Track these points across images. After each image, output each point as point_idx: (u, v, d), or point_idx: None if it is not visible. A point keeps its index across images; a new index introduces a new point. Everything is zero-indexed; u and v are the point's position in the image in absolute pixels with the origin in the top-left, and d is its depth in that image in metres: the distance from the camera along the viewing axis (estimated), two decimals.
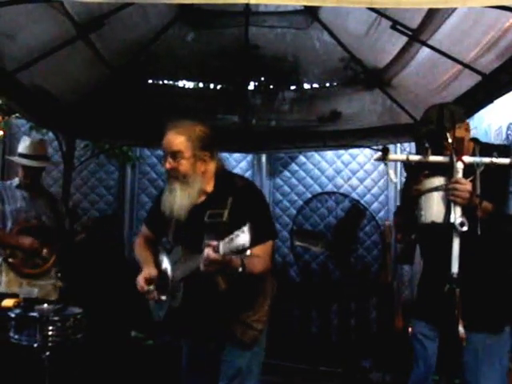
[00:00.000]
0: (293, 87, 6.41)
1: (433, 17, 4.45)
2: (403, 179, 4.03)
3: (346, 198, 7.67)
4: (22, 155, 5.09)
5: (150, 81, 6.48)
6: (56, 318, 4.02)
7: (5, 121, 7.25)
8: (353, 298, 7.47)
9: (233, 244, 2.71)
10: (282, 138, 6.63)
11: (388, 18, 4.80)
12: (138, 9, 5.05)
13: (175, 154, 3.12)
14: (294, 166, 8.20)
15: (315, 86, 6.45)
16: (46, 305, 4.13)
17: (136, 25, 5.34)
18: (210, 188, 3.23)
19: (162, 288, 3.28)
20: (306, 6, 5.50)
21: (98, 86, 5.89)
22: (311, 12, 5.58)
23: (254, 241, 2.78)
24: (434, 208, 2.99)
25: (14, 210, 4.96)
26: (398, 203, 4.91)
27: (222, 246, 2.74)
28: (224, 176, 3.28)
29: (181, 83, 6.58)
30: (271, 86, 6.37)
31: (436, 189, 2.98)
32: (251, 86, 6.43)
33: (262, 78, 6.33)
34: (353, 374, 6.49)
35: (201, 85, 6.60)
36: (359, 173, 8.11)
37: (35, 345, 3.96)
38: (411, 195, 3.11)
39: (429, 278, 3.51)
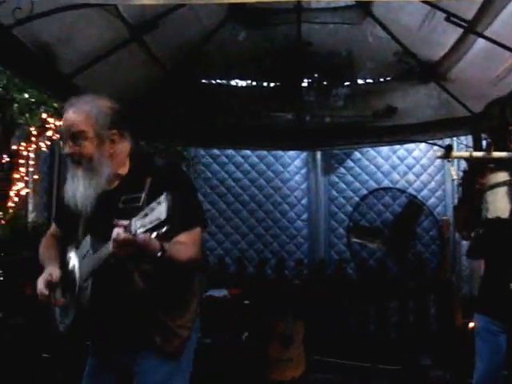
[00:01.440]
0: (347, 83, 6.35)
1: (488, 7, 4.34)
2: (460, 173, 3.95)
3: (403, 194, 7.56)
4: None
5: (203, 81, 6.51)
6: None
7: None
8: (411, 294, 7.37)
9: (146, 219, 2.26)
10: (337, 134, 6.57)
11: (442, 10, 4.71)
12: (190, 9, 5.08)
13: (75, 136, 2.62)
14: (349, 163, 8.14)
15: (369, 81, 6.38)
16: None
17: (188, 25, 5.37)
18: (123, 171, 2.73)
19: (69, 290, 2.70)
20: (357, 1, 5.45)
21: (151, 88, 5.94)
22: (364, 7, 5.52)
23: (179, 226, 2.45)
24: (498, 203, 2.92)
25: None
26: (456, 197, 4.81)
27: (134, 223, 2.29)
28: (141, 156, 2.80)
29: (233, 82, 6.58)
30: (325, 83, 6.31)
31: (501, 184, 2.91)
32: (304, 83, 6.39)
33: (316, 75, 6.28)
34: (412, 371, 6.41)
35: (253, 83, 6.59)
36: (415, 168, 8.00)
37: None
38: (474, 189, 3.04)
39: (494, 273, 3.43)
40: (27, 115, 7.28)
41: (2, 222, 6.66)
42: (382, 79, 6.32)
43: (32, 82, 5.17)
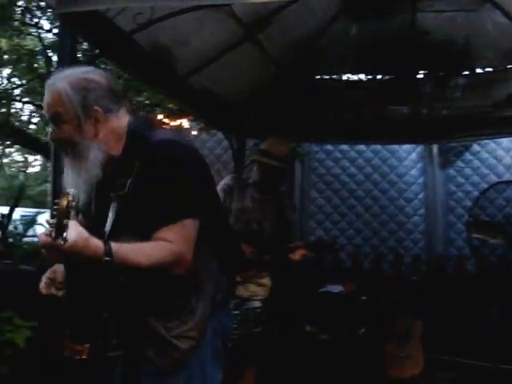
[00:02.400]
0: (465, 73, 6.14)
1: None
2: None
3: None
4: (260, 151, 4.74)
5: (316, 76, 6.48)
6: (237, 312, 4.11)
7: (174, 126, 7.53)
8: None
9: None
10: (455, 126, 6.39)
11: None
12: (303, 4, 5.06)
13: (54, 120, 2.25)
14: (467, 156, 7.88)
15: (489, 69, 6.14)
16: None
17: (301, 21, 5.36)
18: (117, 152, 2.29)
19: None
20: None
21: (265, 85, 5.98)
22: None
23: (159, 220, 2.13)
24: None
25: (239, 208, 4.58)
26: None
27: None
28: (137, 133, 2.30)
29: (346, 77, 6.53)
30: (441, 73, 6.13)
31: None
32: (420, 75, 6.24)
33: (432, 66, 6.12)
34: None
35: (368, 77, 6.50)
36: None
37: None
38: None
39: None
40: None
41: None
42: (502, 67, 6.08)
43: (150, 84, 5.32)
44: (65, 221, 1.89)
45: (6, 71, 9.67)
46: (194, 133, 7.45)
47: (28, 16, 8.44)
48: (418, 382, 5.89)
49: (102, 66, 5.91)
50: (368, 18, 5.72)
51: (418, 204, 8.05)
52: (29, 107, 11.13)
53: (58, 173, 3.17)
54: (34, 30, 9.00)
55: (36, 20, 8.52)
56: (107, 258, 1.99)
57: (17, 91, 9.50)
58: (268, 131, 6.47)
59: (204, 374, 2.33)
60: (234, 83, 5.62)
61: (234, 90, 5.71)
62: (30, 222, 6.92)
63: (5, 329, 3.90)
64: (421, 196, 8.04)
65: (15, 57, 8.69)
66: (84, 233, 1.97)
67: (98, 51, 4.13)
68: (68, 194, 1.93)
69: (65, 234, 1.88)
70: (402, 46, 5.80)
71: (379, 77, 6.42)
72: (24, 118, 11.41)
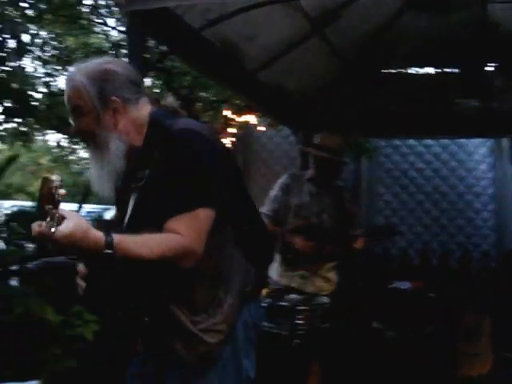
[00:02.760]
0: None
1: None
2: None
3: None
4: (314, 145, 4.74)
5: (383, 70, 6.43)
6: (305, 308, 4.13)
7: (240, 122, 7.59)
8: None
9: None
10: None
11: None
12: None
13: (73, 112, 2.23)
14: None
15: None
16: (294, 295, 4.26)
17: (369, 14, 5.32)
18: (138, 142, 2.26)
19: None
20: None
21: (332, 80, 5.97)
22: None
23: (172, 209, 2.07)
24: None
25: (297, 204, 4.62)
26: None
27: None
28: (157, 123, 2.24)
29: (414, 70, 6.45)
30: None
31: None
32: (490, 67, 6.12)
33: (503, 58, 5.99)
34: None
35: (435, 70, 6.42)
36: None
37: (285, 333, 4.09)
38: None
39: None
40: (211, 113, 7.58)
41: None
42: None
43: (218, 80, 5.37)
44: (47, 207, 1.82)
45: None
46: (262, 128, 7.49)
47: (95, 14, 8.65)
48: (485, 380, 5.79)
49: None
50: (436, 10, 5.64)
51: (487, 199, 7.91)
52: None
53: None
54: (100, 29, 9.23)
55: (103, 18, 8.72)
56: (108, 251, 1.95)
57: None
58: (334, 126, 6.49)
59: (237, 366, 2.28)
60: (301, 78, 5.63)
61: (301, 84, 5.72)
62: (97, 218, 7.08)
63: (75, 323, 4.01)
64: (490, 191, 7.90)
65: (82, 55, 8.90)
66: (82, 224, 1.92)
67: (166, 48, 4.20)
68: (47, 179, 1.86)
69: (49, 221, 1.82)
70: (470, 38, 5.71)
71: (447, 70, 6.33)
72: None
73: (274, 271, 4.69)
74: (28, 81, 8.55)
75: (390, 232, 5.53)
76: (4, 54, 7.68)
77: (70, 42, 9.26)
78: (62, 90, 9.22)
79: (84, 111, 2.18)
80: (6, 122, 8.98)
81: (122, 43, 8.31)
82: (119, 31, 8.34)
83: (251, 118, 7.49)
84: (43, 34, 8.64)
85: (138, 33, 3.55)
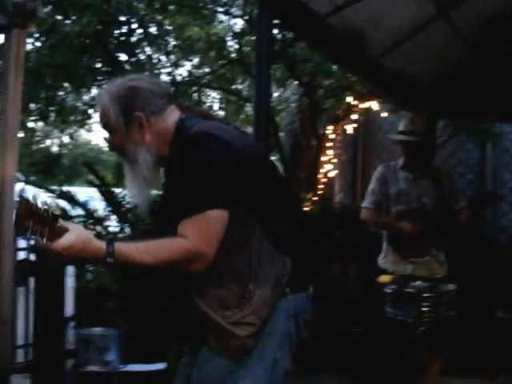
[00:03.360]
0: None
1: None
2: None
3: None
4: (400, 132, 4.91)
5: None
6: (431, 295, 4.09)
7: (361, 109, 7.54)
8: None
9: None
10: None
11: None
12: None
13: (106, 130, 2.40)
14: None
15: None
16: (420, 282, 4.23)
17: None
18: (166, 152, 2.35)
19: None
20: None
21: (456, 64, 5.82)
22: None
23: (182, 213, 2.13)
24: None
25: (396, 192, 4.77)
26: None
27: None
28: (180, 130, 2.32)
29: None
30: None
31: None
32: None
33: None
34: None
35: None
36: None
37: (410, 320, 4.08)
38: None
39: None
40: (333, 100, 7.58)
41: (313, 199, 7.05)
42: None
43: (343, 66, 5.38)
44: (27, 224, 1.96)
45: (196, 59, 10.14)
46: (384, 114, 7.43)
47: (218, 4, 8.81)
48: None
49: None
50: None
51: None
52: (216, 94, 11.66)
53: None
54: (222, 19, 9.40)
55: (226, 8, 8.87)
56: (109, 260, 2.06)
57: (206, 78, 9.93)
58: (459, 111, 6.35)
59: (273, 358, 2.26)
60: (424, 62, 5.53)
61: (424, 69, 5.61)
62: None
63: None
64: None
65: (205, 45, 9.11)
66: (82, 235, 2.06)
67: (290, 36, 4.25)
68: (24, 201, 2.00)
69: (39, 236, 1.98)
70: None
71: None
72: (214, 105, 11.98)
73: (386, 260, 4.76)
74: (153, 71, 8.86)
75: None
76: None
77: (193, 32, 9.49)
78: (186, 79, 9.53)
79: (112, 129, 2.34)
80: None
81: (244, 32, 8.47)
82: (245, 20, 8.45)
83: (373, 105, 7.44)
84: (166, 24, 8.88)
85: (266, 21, 3.62)
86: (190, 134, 2.22)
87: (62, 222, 2.05)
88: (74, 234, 2.03)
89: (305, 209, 6.73)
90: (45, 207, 2.02)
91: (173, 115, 2.35)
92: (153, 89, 2.34)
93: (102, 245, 2.08)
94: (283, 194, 2.41)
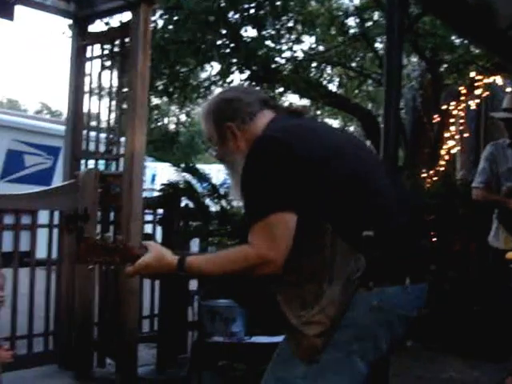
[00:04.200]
0: None
1: None
2: None
3: None
4: (503, 109, 4.92)
5: None
6: None
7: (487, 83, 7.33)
8: None
9: None
10: None
11: None
12: None
13: (210, 143, 2.54)
14: None
15: None
16: None
17: None
18: None
19: None
20: None
21: None
22: None
23: (247, 221, 2.20)
24: None
25: (505, 170, 4.78)
26: None
27: None
28: (262, 132, 2.37)
29: None
30: None
31: None
32: None
33: None
34: None
35: None
36: None
37: None
38: None
39: None
40: (456, 75, 7.42)
41: (434, 178, 6.93)
42: None
43: (470, 39, 5.26)
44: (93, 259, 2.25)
45: (315, 36, 10.12)
46: (509, 89, 7.20)
47: None
48: None
49: None
50: None
51: None
52: (336, 70, 11.61)
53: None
54: None
55: None
56: (181, 273, 2.27)
57: (326, 54, 9.89)
58: None
59: (347, 350, 2.21)
60: None
61: None
62: None
63: None
64: None
65: (326, 20, 9.08)
66: (158, 253, 2.28)
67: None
68: (83, 240, 2.30)
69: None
70: None
71: None
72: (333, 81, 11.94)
73: (497, 239, 4.75)
74: (274, 46, 8.95)
75: None
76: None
77: (313, 8, 9.49)
78: (307, 54, 9.56)
79: (213, 142, 2.47)
80: (254, 86, 9.47)
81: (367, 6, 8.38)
82: None
83: (497, 79, 7.22)
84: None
85: None
86: (255, 141, 2.29)
87: (143, 242, 2.34)
88: (151, 254, 2.27)
89: (424, 185, 6.66)
90: (109, 238, 2.34)
91: (263, 120, 2.38)
92: (241, 97, 2.42)
93: (173, 259, 2.26)
94: (377, 182, 2.35)
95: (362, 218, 2.23)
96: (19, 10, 4.79)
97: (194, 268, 2.27)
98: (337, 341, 2.15)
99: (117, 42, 5.01)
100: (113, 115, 5.09)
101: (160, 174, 11.21)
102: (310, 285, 2.18)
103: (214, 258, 2.37)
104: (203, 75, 10.46)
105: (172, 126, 27.62)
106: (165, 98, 10.52)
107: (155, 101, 11.10)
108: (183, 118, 26.89)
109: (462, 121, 7.67)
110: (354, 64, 10.41)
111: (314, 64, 9.92)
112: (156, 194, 5.61)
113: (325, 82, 10.92)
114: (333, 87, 11.63)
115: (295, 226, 2.15)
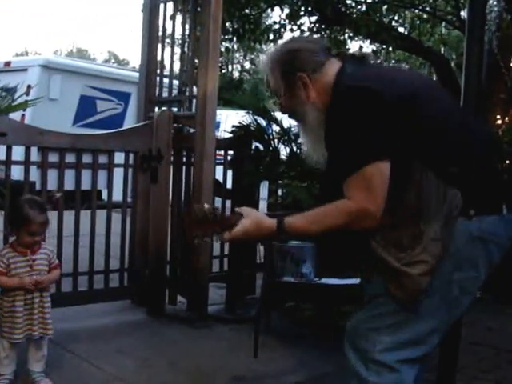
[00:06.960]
0: None
1: None
2: None
3: None
4: None
5: None
6: None
7: None
8: None
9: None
10: None
11: None
12: None
13: (275, 94, 2.52)
14: None
15: None
16: None
17: None
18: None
19: None
20: None
21: None
22: None
23: (341, 174, 2.17)
24: None
25: None
26: None
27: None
28: (338, 81, 2.32)
29: None
30: None
31: None
32: None
33: None
34: None
35: None
36: None
37: None
38: None
39: None
40: None
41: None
42: None
43: None
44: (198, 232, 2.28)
45: None
46: None
47: None
48: None
49: None
50: None
51: None
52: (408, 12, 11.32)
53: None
54: None
55: None
56: (282, 236, 2.29)
57: None
58: None
59: (447, 279, 2.22)
60: None
61: None
62: None
63: None
64: None
65: None
66: (255, 218, 2.28)
67: None
68: (197, 208, 2.30)
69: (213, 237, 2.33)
70: None
71: None
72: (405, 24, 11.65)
73: None
74: None
75: None
76: None
77: None
78: None
79: (280, 92, 2.44)
80: (323, 30, 9.35)
81: None
82: None
83: None
84: None
85: None
86: (340, 90, 2.26)
87: (237, 209, 2.34)
88: (248, 220, 2.27)
89: (498, 131, 6.47)
90: (207, 208, 2.27)
91: (333, 68, 2.36)
92: (309, 47, 2.41)
93: (272, 223, 2.26)
94: (456, 120, 2.36)
95: (450, 153, 2.23)
96: None
97: (295, 228, 2.28)
98: (438, 271, 2.17)
99: None
100: (185, 58, 5.11)
101: (224, 121, 11.22)
102: (405, 226, 2.20)
103: (313, 216, 2.28)
104: (274, 18, 10.39)
105: (236, 74, 27.57)
106: (233, 43, 10.52)
107: (224, 44, 11.07)
108: (247, 65, 26.82)
109: None
110: (426, 6, 10.14)
111: (385, 6, 9.70)
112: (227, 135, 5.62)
113: (396, 25, 10.69)
114: (404, 31, 11.37)
115: (389, 173, 2.15)
